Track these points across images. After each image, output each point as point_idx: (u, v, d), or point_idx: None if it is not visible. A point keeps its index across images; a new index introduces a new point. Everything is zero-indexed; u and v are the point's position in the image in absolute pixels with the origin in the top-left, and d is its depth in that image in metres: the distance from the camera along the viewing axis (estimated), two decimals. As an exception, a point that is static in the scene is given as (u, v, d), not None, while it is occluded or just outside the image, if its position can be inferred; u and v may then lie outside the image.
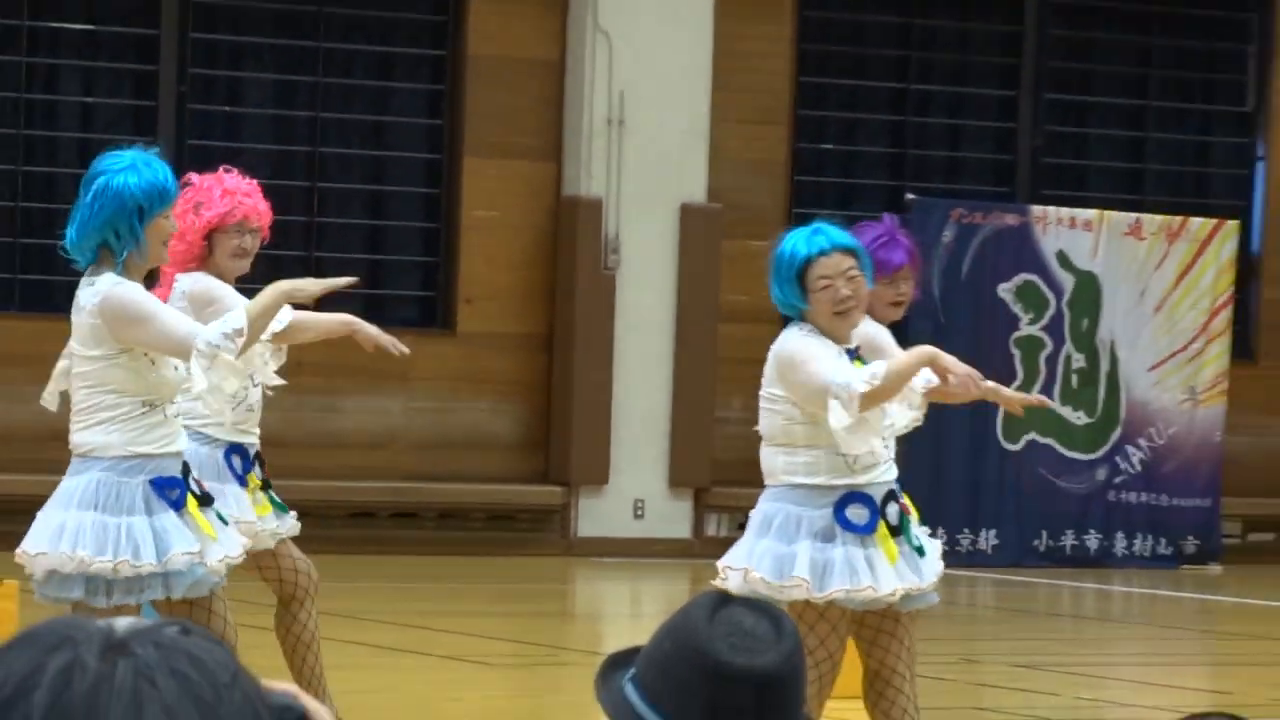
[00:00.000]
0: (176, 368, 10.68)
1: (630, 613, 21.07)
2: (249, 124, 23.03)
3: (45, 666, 2.11)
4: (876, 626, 10.88)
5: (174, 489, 10.55)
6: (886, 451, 10.91)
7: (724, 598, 4.54)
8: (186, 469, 10.77)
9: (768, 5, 24.02)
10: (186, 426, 11.33)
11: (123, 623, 2.21)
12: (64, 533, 10.44)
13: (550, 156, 23.32)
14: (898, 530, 10.82)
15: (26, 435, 21.31)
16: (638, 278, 23.32)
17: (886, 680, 10.95)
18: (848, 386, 10.46)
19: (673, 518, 23.44)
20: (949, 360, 10.86)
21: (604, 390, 23.26)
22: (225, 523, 10.94)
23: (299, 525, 12.44)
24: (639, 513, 23.29)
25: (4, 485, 21.06)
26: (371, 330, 11.80)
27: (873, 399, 10.59)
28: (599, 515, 23.36)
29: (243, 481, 11.95)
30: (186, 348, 10.41)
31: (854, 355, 10.80)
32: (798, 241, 10.47)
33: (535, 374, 23.64)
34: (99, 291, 10.39)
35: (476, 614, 19.06)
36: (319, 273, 20.59)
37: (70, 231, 10.43)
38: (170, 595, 10.57)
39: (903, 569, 10.75)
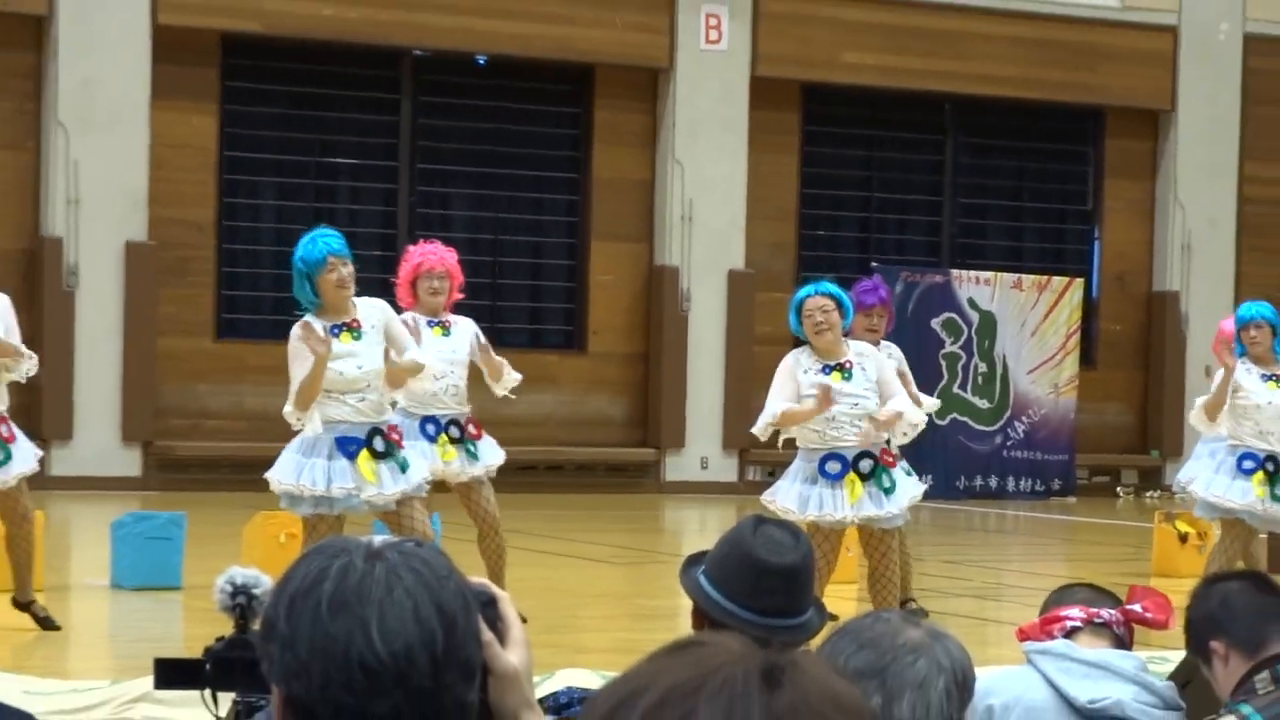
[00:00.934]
0: (341, 374, 11.03)
1: (699, 530, 21.18)
2: (454, 221, 24.05)
3: (330, 567, 2.61)
4: (868, 540, 11.74)
5: (352, 445, 11.06)
6: (855, 429, 11.58)
7: (761, 518, 5.06)
8: (375, 432, 11.14)
9: (782, 145, 25.12)
10: (403, 407, 12.24)
11: (379, 539, 2.67)
12: (281, 467, 11.32)
13: (645, 240, 24.75)
14: (868, 477, 11.52)
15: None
16: (701, 317, 24.61)
17: (878, 574, 11.80)
18: (764, 415, 11.71)
19: (725, 469, 24.78)
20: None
21: (680, 389, 24.52)
22: (404, 469, 11.23)
23: (490, 470, 13.01)
24: (704, 466, 24.72)
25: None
26: None
27: (770, 428, 11.69)
28: (678, 468, 24.63)
29: (433, 439, 12.54)
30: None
31: (833, 369, 11.61)
32: (800, 291, 11.94)
33: (637, 378, 24.70)
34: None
35: (602, 531, 19.66)
36: (497, 315, 22.65)
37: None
38: (332, 512, 11.14)
39: (864, 503, 11.50)
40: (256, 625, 4.96)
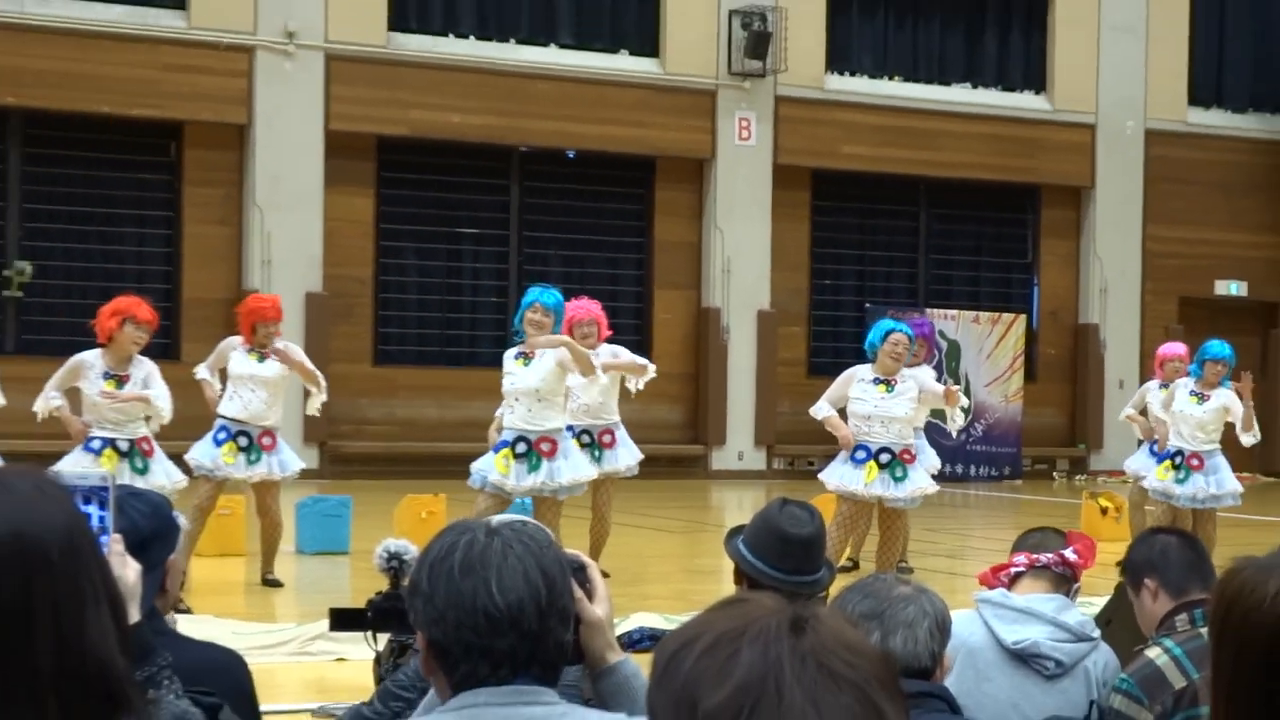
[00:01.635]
0: (514, 384, 11.12)
1: (737, 507, 20.68)
2: (551, 276, 21.85)
3: (459, 540, 2.61)
4: (883, 514, 11.64)
5: (513, 444, 11.03)
6: (887, 431, 11.47)
7: (785, 500, 4.99)
8: (521, 439, 11.03)
9: (796, 216, 24.87)
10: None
11: (496, 518, 2.71)
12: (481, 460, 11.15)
13: (695, 288, 24.49)
14: (884, 467, 11.43)
15: (472, 422, 22.59)
16: (738, 346, 24.44)
17: (884, 541, 11.74)
18: (819, 407, 11.80)
19: (756, 460, 24.51)
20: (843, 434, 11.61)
21: (722, 399, 24.30)
22: (533, 469, 11.02)
23: (615, 472, 12.84)
24: (740, 458, 24.44)
25: (462, 448, 21.24)
26: None
27: (824, 422, 11.78)
28: (721, 459, 24.38)
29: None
30: None
31: (882, 383, 11.52)
32: (886, 325, 11.74)
33: (690, 392, 24.32)
34: None
35: (664, 508, 19.08)
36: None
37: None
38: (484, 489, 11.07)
39: (876, 486, 11.41)
40: (406, 583, 5.12)
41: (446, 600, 2.59)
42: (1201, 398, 13.21)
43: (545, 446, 11.18)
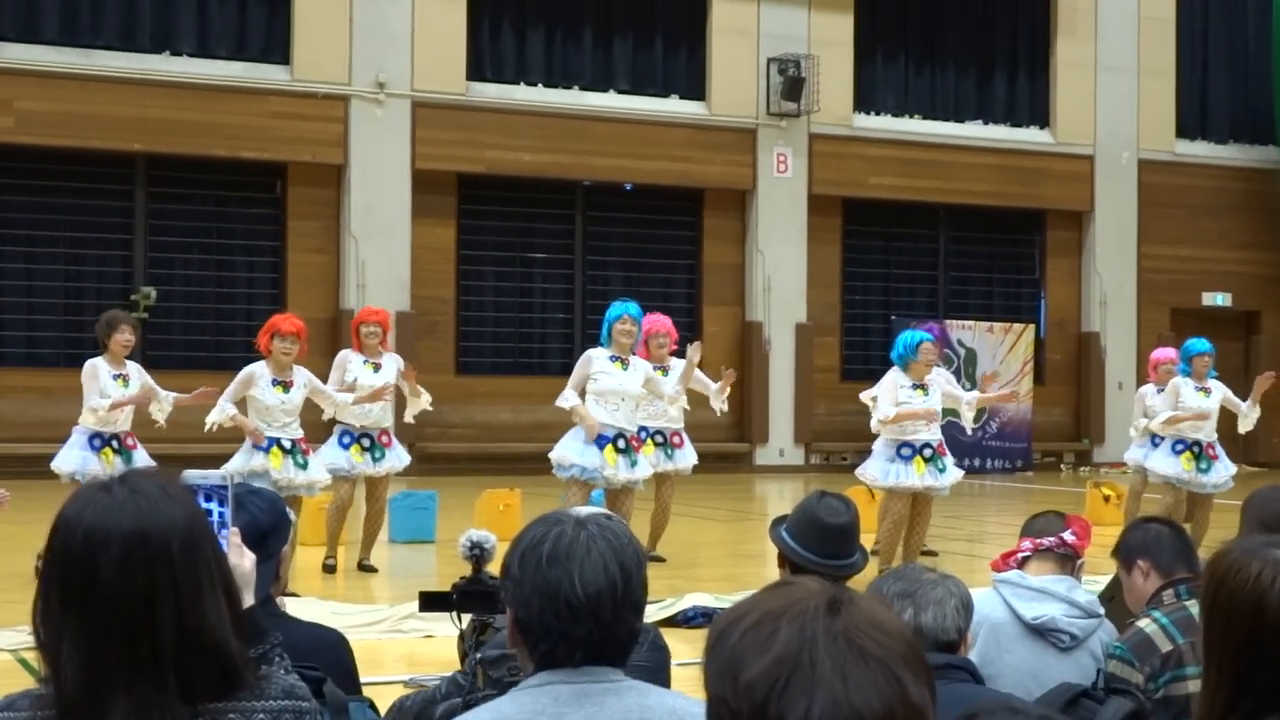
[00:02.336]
0: (614, 389, 11.11)
1: (779, 498, 20.54)
2: (612, 294, 20.42)
3: (550, 532, 2.61)
4: (916, 503, 11.54)
5: (614, 440, 11.09)
6: (928, 428, 11.48)
7: (824, 493, 4.96)
8: (620, 435, 11.11)
9: (829, 239, 24.73)
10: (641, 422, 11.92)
11: (584, 510, 2.70)
12: (558, 448, 11.30)
13: (739, 304, 24.32)
14: (929, 460, 11.42)
15: (542, 425, 22.91)
16: (778, 355, 24.31)
17: (915, 526, 11.61)
18: (879, 412, 11.59)
19: (795, 456, 24.32)
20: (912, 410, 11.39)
21: (765, 403, 24.09)
22: (634, 465, 11.19)
23: (683, 470, 12.76)
24: (781, 454, 24.26)
25: (534, 447, 21.53)
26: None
27: (884, 421, 11.50)
28: (764, 456, 24.17)
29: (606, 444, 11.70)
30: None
31: (918, 387, 11.50)
32: (914, 336, 11.64)
33: (735, 396, 21.53)
34: None
35: (713, 499, 18.99)
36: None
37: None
38: (581, 478, 11.11)
39: (925, 478, 11.39)
40: (488, 569, 5.10)
41: (533, 587, 2.60)
42: (1206, 392, 13.11)
43: (636, 444, 11.35)
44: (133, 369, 11.44)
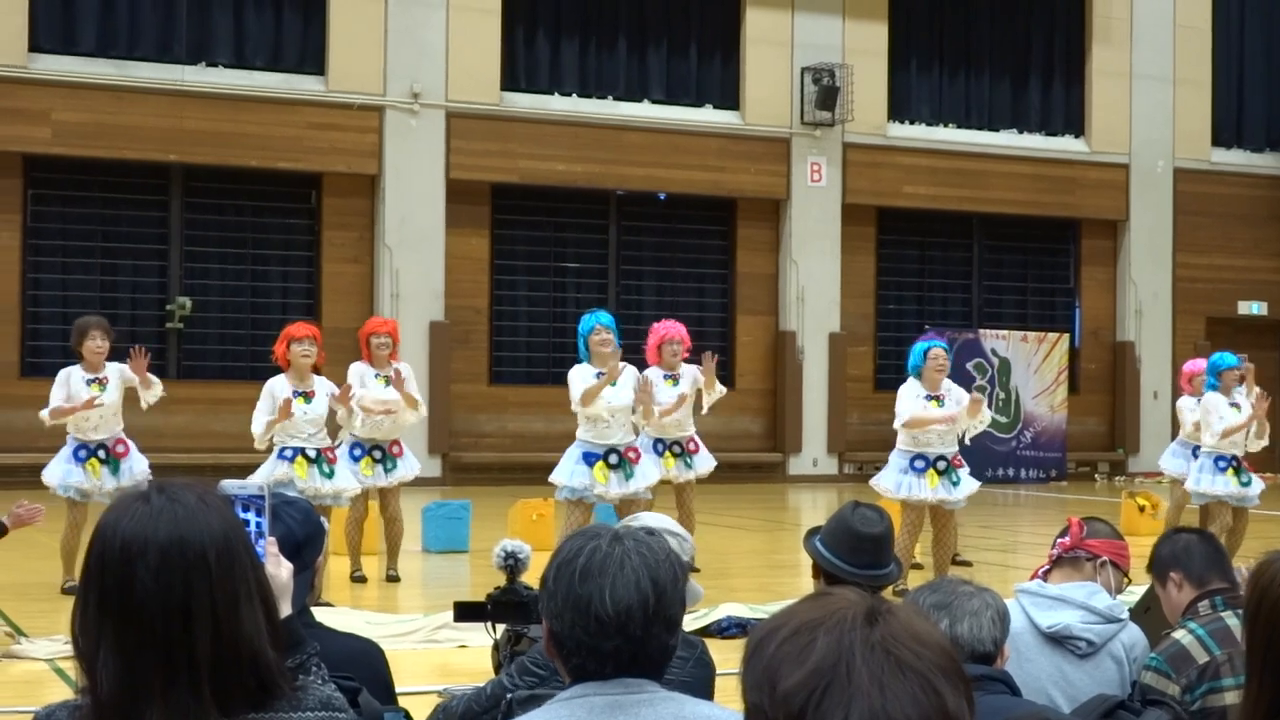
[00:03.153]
0: (609, 403, 11.03)
1: (812, 508, 20.44)
2: (646, 304, 23.32)
3: (585, 546, 2.64)
4: (936, 515, 11.47)
5: (593, 458, 10.98)
6: (942, 441, 11.41)
7: (857, 503, 4.96)
8: (612, 450, 11.00)
9: (862, 249, 24.74)
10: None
11: (624, 526, 2.77)
12: (558, 471, 11.21)
13: (773, 314, 24.34)
14: (942, 474, 11.30)
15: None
16: (811, 364, 24.32)
17: (939, 539, 11.54)
18: (900, 418, 11.48)
19: (829, 466, 24.32)
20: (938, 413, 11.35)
21: (798, 412, 24.09)
22: (629, 477, 11.04)
23: (700, 475, 12.56)
24: (814, 464, 24.28)
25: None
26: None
27: (906, 425, 11.44)
28: (797, 466, 24.18)
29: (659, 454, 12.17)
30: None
31: (934, 398, 11.44)
32: (924, 343, 11.70)
33: (769, 405, 24.17)
34: None
35: (748, 509, 19.12)
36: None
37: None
38: (573, 499, 11.05)
39: (938, 490, 11.29)
40: (522, 579, 5.11)
41: (565, 601, 2.62)
42: (1237, 407, 13.04)
43: (633, 455, 11.21)
44: (112, 370, 11.31)
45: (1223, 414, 13.02)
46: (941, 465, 11.37)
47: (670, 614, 2.65)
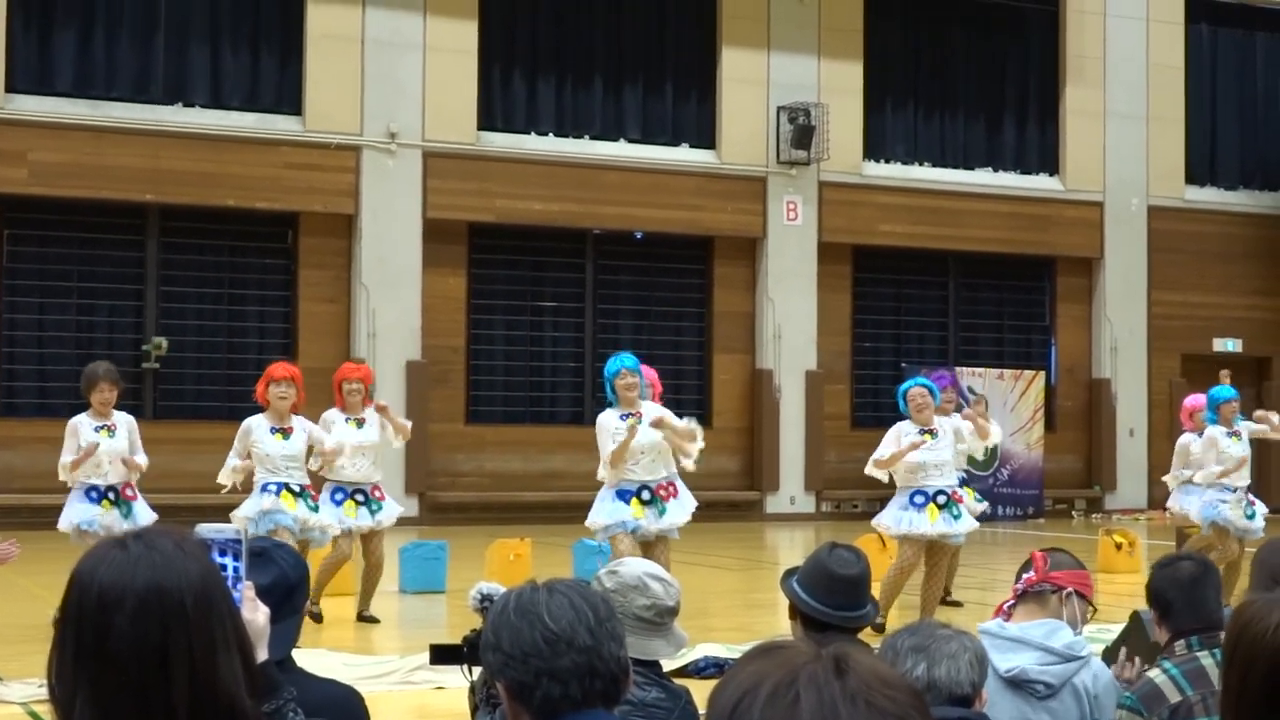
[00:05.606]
0: (638, 444, 10.75)
1: (789, 546, 20.49)
2: (623, 343, 22.01)
3: (509, 596, 2.68)
4: (931, 551, 11.47)
5: (638, 493, 10.82)
6: (940, 475, 11.38)
7: (834, 544, 4.93)
8: (644, 487, 10.82)
9: (838, 287, 24.81)
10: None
11: (543, 579, 2.76)
12: (590, 517, 10.98)
13: (750, 352, 24.43)
14: (943, 508, 11.25)
15: (553, 473, 23.06)
16: (789, 402, 24.33)
17: (930, 578, 11.56)
18: (874, 457, 11.50)
19: (806, 504, 24.32)
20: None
21: (775, 450, 24.14)
22: (662, 514, 10.84)
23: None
24: (792, 502, 24.28)
25: (545, 497, 22.24)
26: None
27: (877, 467, 11.49)
28: (775, 504, 24.20)
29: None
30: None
31: (925, 432, 11.36)
32: (906, 384, 11.73)
33: (746, 443, 24.19)
34: None
35: (725, 548, 18.88)
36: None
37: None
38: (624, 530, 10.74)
39: (939, 525, 11.23)
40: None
41: (511, 641, 2.64)
42: (1237, 436, 13.08)
43: (663, 493, 11.00)
44: (120, 419, 11.49)
45: (1224, 446, 13.02)
46: (942, 500, 11.35)
47: (615, 630, 2.69)
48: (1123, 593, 13.02)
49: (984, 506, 12.23)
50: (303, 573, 3.51)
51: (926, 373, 12.82)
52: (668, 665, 8.90)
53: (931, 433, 11.39)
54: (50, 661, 2.19)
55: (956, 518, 11.37)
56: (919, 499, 11.36)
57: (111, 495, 11.34)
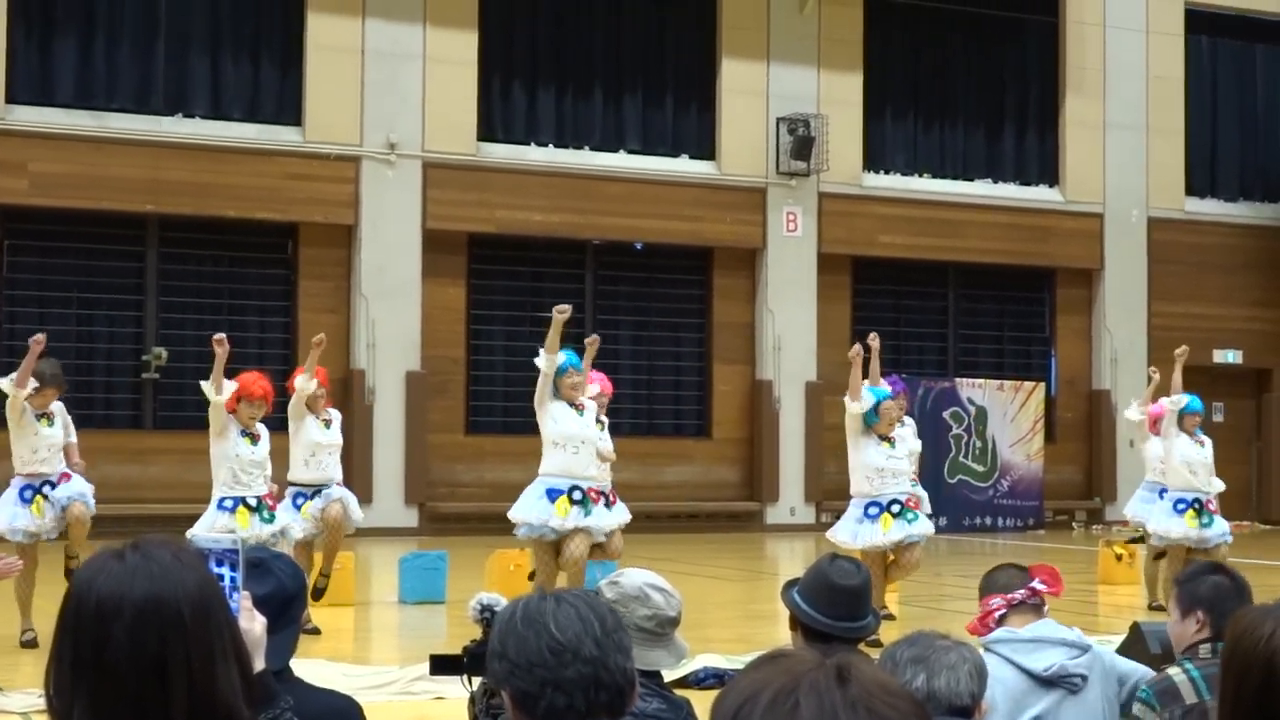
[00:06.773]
0: (575, 434, 10.98)
1: (790, 557, 20.52)
2: (623, 353, 23.42)
3: (516, 604, 2.70)
4: (898, 550, 11.58)
5: (555, 493, 10.92)
6: (897, 482, 11.61)
7: (835, 555, 4.97)
8: (575, 487, 10.91)
9: (838, 298, 24.79)
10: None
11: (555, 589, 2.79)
12: (513, 509, 11.15)
13: (749, 363, 24.44)
14: (896, 516, 11.47)
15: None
16: (788, 413, 24.32)
17: (900, 565, 11.63)
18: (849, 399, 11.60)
19: (806, 515, 24.23)
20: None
21: (775, 461, 24.14)
22: (587, 513, 10.92)
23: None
24: (792, 513, 24.26)
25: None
26: None
27: (853, 398, 11.58)
28: (775, 515, 24.20)
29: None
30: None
31: (884, 439, 11.69)
32: (876, 397, 11.77)
33: (746, 454, 24.20)
34: None
35: (725, 558, 19.29)
36: (653, 414, 23.03)
37: None
38: (543, 536, 10.97)
39: (893, 533, 11.43)
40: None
41: (517, 650, 2.62)
42: (1201, 444, 13.16)
43: (595, 496, 11.12)
44: (57, 409, 11.38)
45: (1183, 450, 13.09)
46: (895, 509, 11.45)
47: (622, 641, 2.68)
48: (1123, 604, 13.24)
49: (930, 526, 12.11)
50: (300, 584, 3.51)
51: (890, 384, 12.76)
52: (667, 676, 9.10)
53: (890, 441, 11.63)
54: (48, 672, 2.18)
55: (911, 521, 11.48)
56: (873, 510, 11.48)
57: (46, 488, 11.16)
